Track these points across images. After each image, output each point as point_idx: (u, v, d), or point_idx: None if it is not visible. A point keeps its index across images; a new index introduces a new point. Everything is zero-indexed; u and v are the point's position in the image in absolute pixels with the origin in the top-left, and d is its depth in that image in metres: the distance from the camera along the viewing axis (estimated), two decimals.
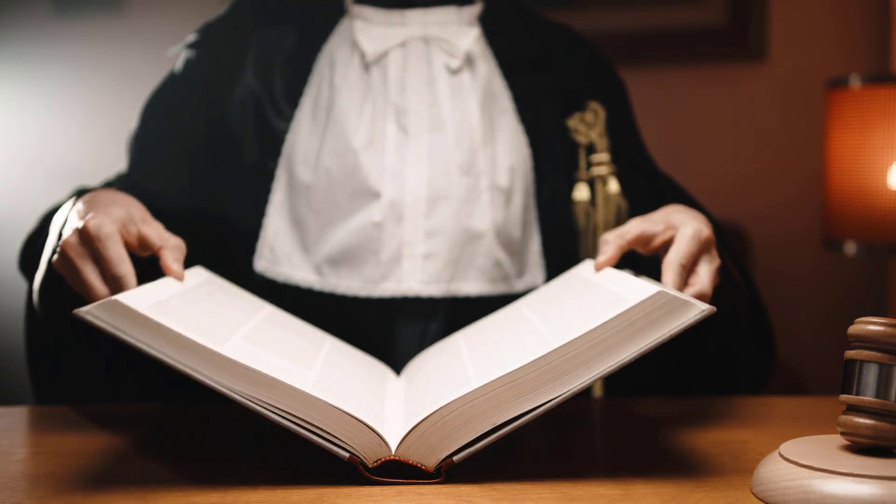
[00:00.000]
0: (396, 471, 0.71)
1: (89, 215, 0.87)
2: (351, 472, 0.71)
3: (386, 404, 0.83)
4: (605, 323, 0.71)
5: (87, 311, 0.70)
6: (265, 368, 0.70)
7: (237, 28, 1.16)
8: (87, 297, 0.85)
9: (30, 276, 1.04)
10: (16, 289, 1.10)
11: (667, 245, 0.92)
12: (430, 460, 0.71)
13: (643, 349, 0.71)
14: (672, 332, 0.71)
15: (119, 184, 1.15)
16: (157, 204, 1.12)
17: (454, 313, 1.07)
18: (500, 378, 0.70)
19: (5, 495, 0.69)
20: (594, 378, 0.71)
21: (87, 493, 0.69)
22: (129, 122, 1.18)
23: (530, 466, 0.74)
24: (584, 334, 0.71)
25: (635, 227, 0.94)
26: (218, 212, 1.10)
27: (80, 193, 1.13)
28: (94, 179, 1.20)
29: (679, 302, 0.71)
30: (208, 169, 1.12)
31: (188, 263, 1.11)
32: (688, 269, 0.88)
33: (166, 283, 0.84)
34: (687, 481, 0.71)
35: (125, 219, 0.89)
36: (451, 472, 0.71)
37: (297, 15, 1.16)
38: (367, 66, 1.11)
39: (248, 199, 1.10)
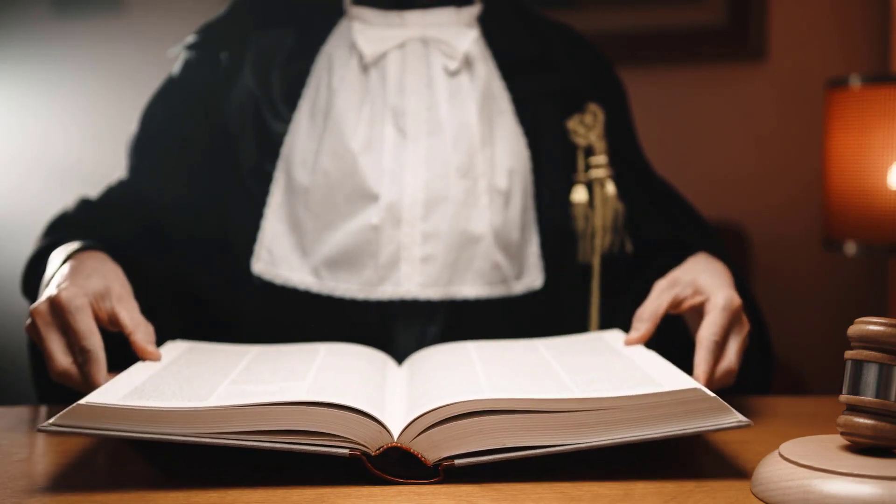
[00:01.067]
0: (398, 462, 0.72)
1: (64, 284, 0.87)
2: (351, 471, 0.71)
3: (386, 393, 0.83)
4: (636, 395, 0.71)
5: (50, 424, 0.70)
6: (252, 399, 0.70)
7: (236, 29, 1.16)
8: (49, 365, 0.85)
9: (31, 300, 1.04)
10: (16, 289, 1.10)
11: (695, 308, 0.93)
12: (432, 455, 0.71)
13: (666, 434, 0.71)
14: (702, 429, 0.71)
15: (120, 189, 1.15)
16: (156, 208, 1.12)
17: (453, 316, 1.07)
18: (518, 399, 0.71)
19: (5, 495, 0.69)
20: (612, 442, 0.71)
21: (87, 493, 0.69)
22: (129, 121, 1.18)
23: (530, 466, 0.74)
24: (613, 397, 0.71)
25: (665, 297, 0.94)
26: (216, 214, 1.10)
27: (83, 204, 1.13)
28: (94, 178, 1.20)
29: (716, 403, 0.72)
30: (207, 171, 1.12)
31: (189, 267, 1.11)
32: (721, 346, 0.89)
33: (140, 369, 0.84)
34: (687, 481, 0.71)
35: (101, 293, 0.89)
36: (450, 472, 0.71)
37: (295, 16, 1.15)
38: (365, 67, 1.10)
39: (247, 201, 1.10)
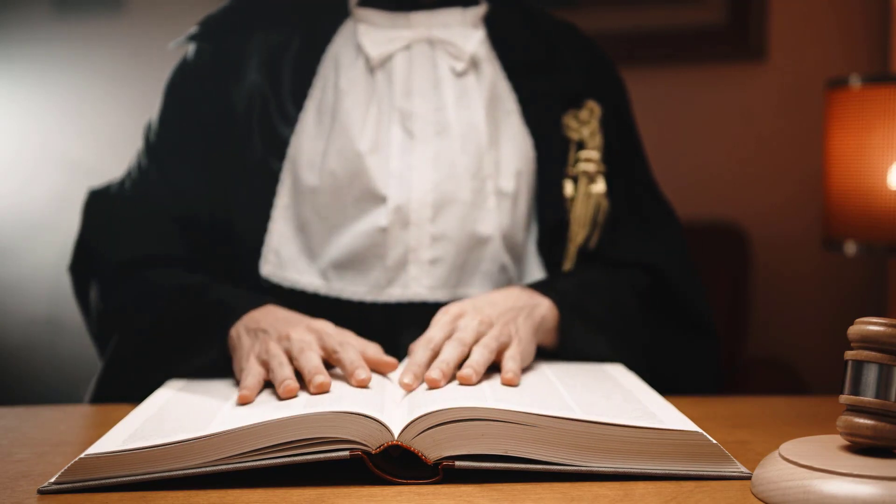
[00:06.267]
0: (398, 462, 0.72)
1: (318, 323, 0.93)
2: (351, 471, 0.71)
3: (386, 391, 0.83)
4: (640, 427, 0.72)
5: (51, 484, 0.70)
6: (252, 420, 0.71)
7: (240, 23, 1.14)
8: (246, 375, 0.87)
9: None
10: (16, 289, 1.10)
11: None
12: (433, 454, 0.71)
13: (666, 472, 0.71)
14: (701, 474, 0.72)
15: (130, 183, 1.14)
16: (181, 208, 1.11)
17: None
18: (524, 414, 0.71)
19: (5, 495, 0.69)
20: (611, 471, 0.71)
21: (87, 493, 0.69)
22: (129, 120, 1.18)
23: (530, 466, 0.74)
24: (617, 426, 0.71)
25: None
26: (224, 215, 1.09)
27: (118, 210, 1.15)
28: (96, 177, 1.20)
29: (717, 450, 0.72)
30: (218, 165, 1.10)
31: (199, 269, 1.11)
32: (436, 349, 0.89)
33: (136, 414, 0.84)
34: (687, 481, 0.71)
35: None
36: (449, 472, 0.71)
37: (299, 16, 1.14)
38: (371, 69, 1.10)
39: (254, 202, 1.09)
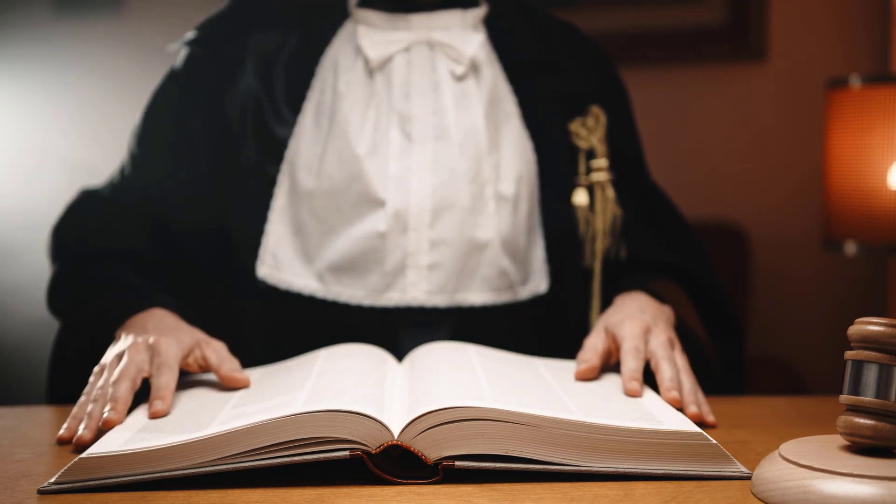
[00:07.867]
0: (397, 462, 0.72)
1: (164, 339, 0.91)
2: (351, 471, 0.71)
3: (386, 391, 0.83)
4: (641, 429, 0.72)
5: (51, 484, 0.70)
6: (251, 420, 0.71)
7: (236, 26, 1.14)
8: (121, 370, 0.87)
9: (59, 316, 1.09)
10: (16, 289, 1.10)
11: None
12: (433, 454, 0.71)
13: (666, 472, 0.71)
14: (702, 474, 0.72)
15: (125, 187, 1.14)
16: (162, 207, 1.11)
17: (459, 323, 1.06)
18: (524, 414, 0.71)
19: (5, 495, 0.69)
20: (612, 471, 0.71)
21: (87, 493, 0.69)
22: (129, 122, 1.18)
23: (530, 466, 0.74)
24: (619, 427, 0.72)
25: (601, 338, 0.96)
26: (219, 216, 1.09)
27: (91, 207, 1.14)
28: (96, 178, 1.20)
29: (717, 451, 0.72)
30: (210, 169, 1.10)
31: (193, 270, 1.10)
32: (642, 351, 0.92)
33: (138, 414, 0.84)
34: (687, 481, 0.71)
35: (191, 345, 0.93)
36: (449, 472, 0.71)
37: (297, 16, 1.14)
38: (370, 71, 1.10)
39: (250, 203, 1.09)
